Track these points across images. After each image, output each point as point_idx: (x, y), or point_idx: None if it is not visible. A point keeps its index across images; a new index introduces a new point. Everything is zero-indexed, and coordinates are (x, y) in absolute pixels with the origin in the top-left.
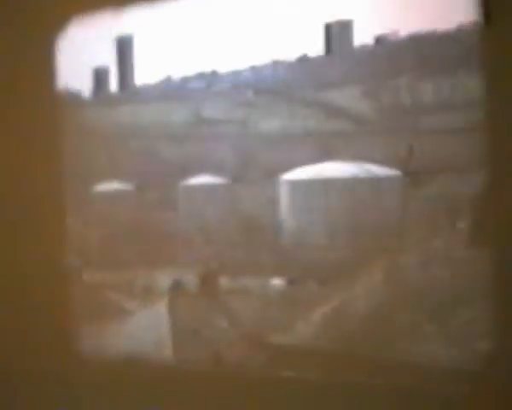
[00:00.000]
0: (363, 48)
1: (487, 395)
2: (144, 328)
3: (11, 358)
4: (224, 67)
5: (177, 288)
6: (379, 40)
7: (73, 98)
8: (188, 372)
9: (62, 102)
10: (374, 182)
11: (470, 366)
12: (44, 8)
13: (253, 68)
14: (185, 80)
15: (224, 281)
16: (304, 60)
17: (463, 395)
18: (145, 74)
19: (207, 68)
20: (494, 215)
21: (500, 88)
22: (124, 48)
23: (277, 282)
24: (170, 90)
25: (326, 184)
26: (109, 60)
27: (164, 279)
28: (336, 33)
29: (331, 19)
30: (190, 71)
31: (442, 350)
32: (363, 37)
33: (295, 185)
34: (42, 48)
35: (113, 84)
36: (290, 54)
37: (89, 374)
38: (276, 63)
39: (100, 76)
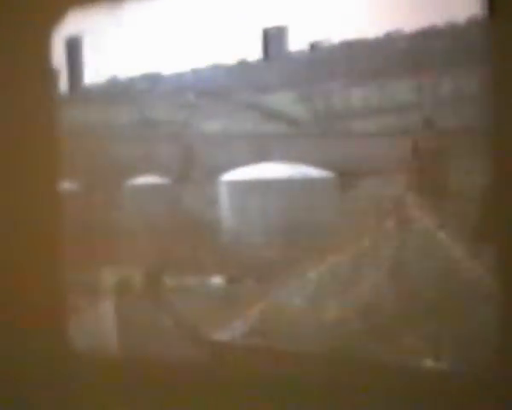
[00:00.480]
0: (299, 53)
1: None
2: (90, 326)
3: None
4: (167, 69)
5: (121, 286)
6: (313, 46)
7: None
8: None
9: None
10: (308, 183)
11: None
12: (38, 2)
13: (194, 71)
14: (131, 81)
15: (167, 279)
16: (243, 64)
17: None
18: (94, 74)
19: (152, 70)
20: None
21: (504, 85)
22: (73, 48)
23: (217, 280)
24: (116, 91)
25: (263, 185)
26: (60, 60)
27: (109, 278)
28: (273, 38)
29: (269, 24)
30: (136, 72)
31: (373, 345)
32: (299, 43)
33: (234, 186)
34: (36, 42)
35: (64, 84)
36: (230, 57)
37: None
38: (216, 66)
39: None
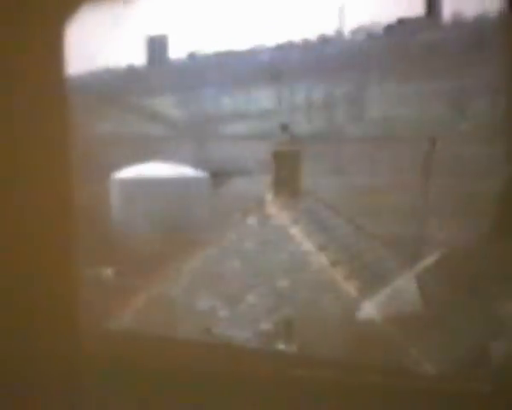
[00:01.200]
0: (178, 61)
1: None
2: None
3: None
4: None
5: None
6: (190, 55)
7: None
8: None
9: None
10: (185, 182)
11: None
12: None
13: (91, 74)
14: None
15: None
16: (131, 69)
17: None
18: None
19: None
20: None
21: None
22: None
23: (108, 272)
24: None
25: (147, 184)
26: None
27: None
28: (156, 46)
29: (153, 33)
30: None
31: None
32: (178, 51)
33: (122, 184)
34: (49, 36)
35: None
36: (120, 63)
37: None
38: (107, 71)
39: None
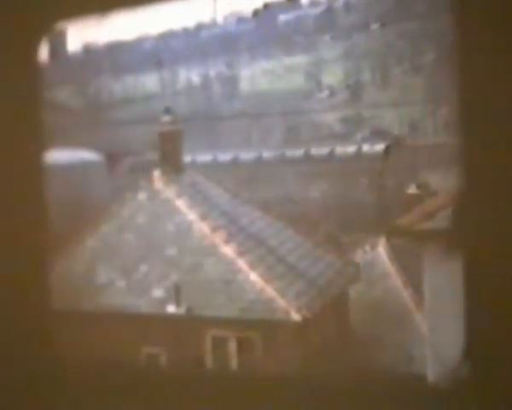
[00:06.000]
0: (75, 53)
1: None
2: None
3: None
4: None
5: None
6: (85, 47)
7: None
8: None
9: None
10: (83, 166)
11: None
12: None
13: None
14: None
15: None
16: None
17: None
18: None
19: None
20: None
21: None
22: None
23: None
24: None
25: (49, 170)
26: None
27: None
28: (56, 41)
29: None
30: None
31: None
32: (76, 44)
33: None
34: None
35: None
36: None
37: None
38: None
39: None
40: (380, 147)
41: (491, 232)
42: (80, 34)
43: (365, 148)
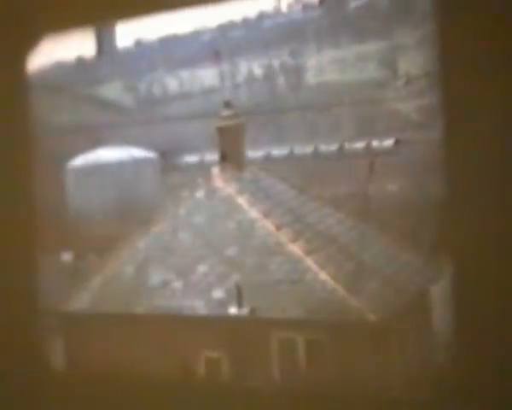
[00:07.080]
0: (125, 49)
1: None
2: None
3: None
4: None
5: None
6: (137, 43)
7: None
8: None
9: None
10: (135, 164)
11: None
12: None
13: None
14: None
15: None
16: (80, 60)
17: None
18: None
19: None
20: None
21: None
22: None
23: (66, 257)
24: None
25: (98, 169)
26: None
27: None
28: (104, 37)
29: (101, 24)
30: None
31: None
32: (125, 40)
33: (77, 171)
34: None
35: None
36: (69, 55)
37: None
38: (58, 65)
39: None
40: None
41: (476, 237)
42: (131, 30)
43: None
